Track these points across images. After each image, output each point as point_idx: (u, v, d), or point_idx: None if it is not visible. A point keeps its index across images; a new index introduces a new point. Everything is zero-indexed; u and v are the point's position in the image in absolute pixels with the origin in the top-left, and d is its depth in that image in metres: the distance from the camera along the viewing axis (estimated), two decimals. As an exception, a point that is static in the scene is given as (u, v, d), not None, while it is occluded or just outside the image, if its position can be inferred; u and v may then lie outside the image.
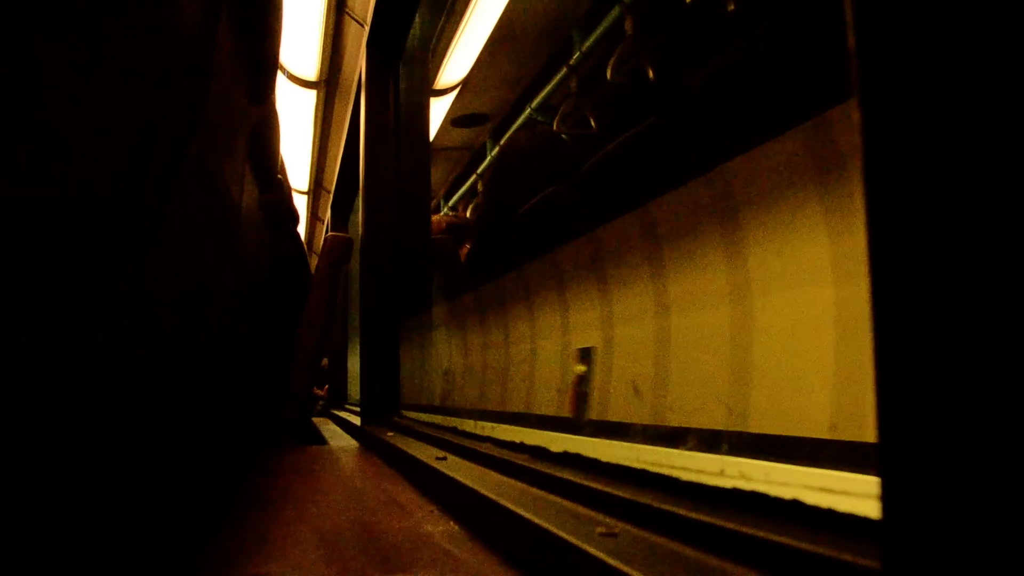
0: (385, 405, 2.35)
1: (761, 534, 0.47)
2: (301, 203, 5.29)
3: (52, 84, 0.40)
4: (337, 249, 2.62)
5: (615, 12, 2.67)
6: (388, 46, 2.55)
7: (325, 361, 4.55)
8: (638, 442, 0.87)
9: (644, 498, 0.63)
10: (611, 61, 2.57)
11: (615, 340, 1.08)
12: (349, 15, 2.92)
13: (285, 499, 1.18)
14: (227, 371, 1.36)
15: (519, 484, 0.89)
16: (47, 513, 0.49)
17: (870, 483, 0.31)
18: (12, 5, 0.36)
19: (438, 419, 1.81)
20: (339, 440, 2.40)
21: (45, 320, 0.43)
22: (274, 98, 1.31)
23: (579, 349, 1.75)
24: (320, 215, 5.36)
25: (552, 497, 0.78)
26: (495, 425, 1.29)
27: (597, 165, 1.48)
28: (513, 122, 3.75)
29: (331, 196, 4.62)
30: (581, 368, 1.75)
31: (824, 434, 0.65)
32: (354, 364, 3.99)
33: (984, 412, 0.26)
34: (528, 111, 3.49)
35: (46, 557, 0.49)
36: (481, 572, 0.71)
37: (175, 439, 0.88)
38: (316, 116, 3.89)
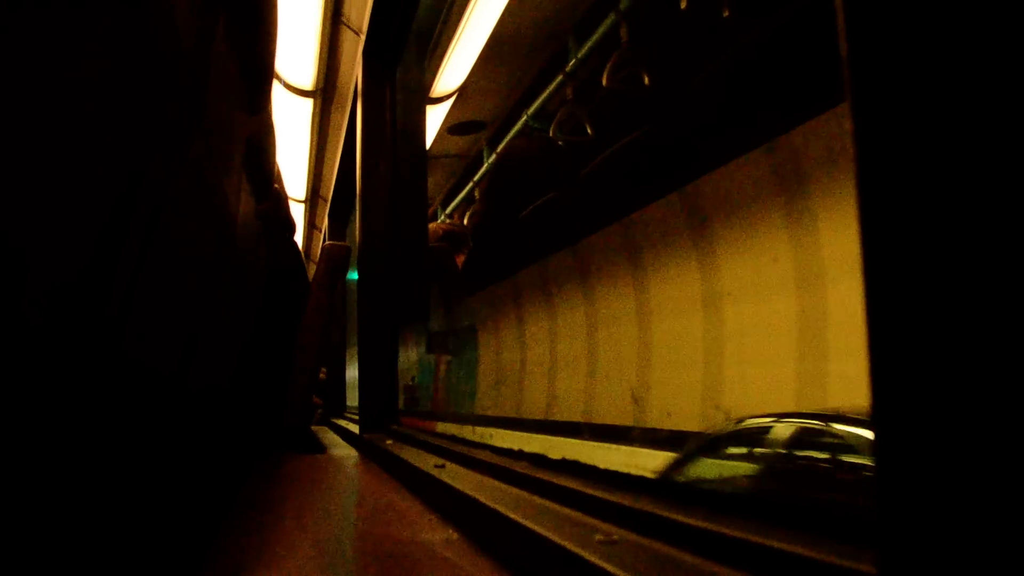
0: (384, 413, 2.34)
1: (759, 539, 0.47)
2: (298, 212, 5.28)
3: (48, 94, 0.41)
4: (335, 258, 2.62)
5: (610, 19, 2.68)
6: (384, 55, 2.55)
7: (323, 373, 4.54)
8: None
9: (642, 504, 0.63)
10: (607, 68, 2.58)
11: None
12: (345, 24, 2.93)
13: (284, 507, 1.17)
14: (225, 380, 1.36)
15: (517, 491, 0.89)
16: (46, 518, 0.49)
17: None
18: (11, 11, 0.36)
19: (436, 426, 1.81)
20: (338, 448, 2.40)
21: (43, 328, 0.43)
22: (270, 108, 1.31)
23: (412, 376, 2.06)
24: (317, 224, 5.36)
25: (551, 504, 0.78)
26: (493, 431, 1.29)
27: (592, 173, 1.49)
28: (510, 129, 3.76)
29: (328, 205, 4.62)
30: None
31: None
32: (353, 372, 3.98)
33: (982, 413, 0.26)
34: (525, 118, 3.50)
35: (44, 560, 0.49)
36: (480, 580, 0.70)
37: (173, 447, 0.88)
38: (312, 125, 3.89)
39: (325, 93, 3.54)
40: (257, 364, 2.04)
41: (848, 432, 0.73)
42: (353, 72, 2.94)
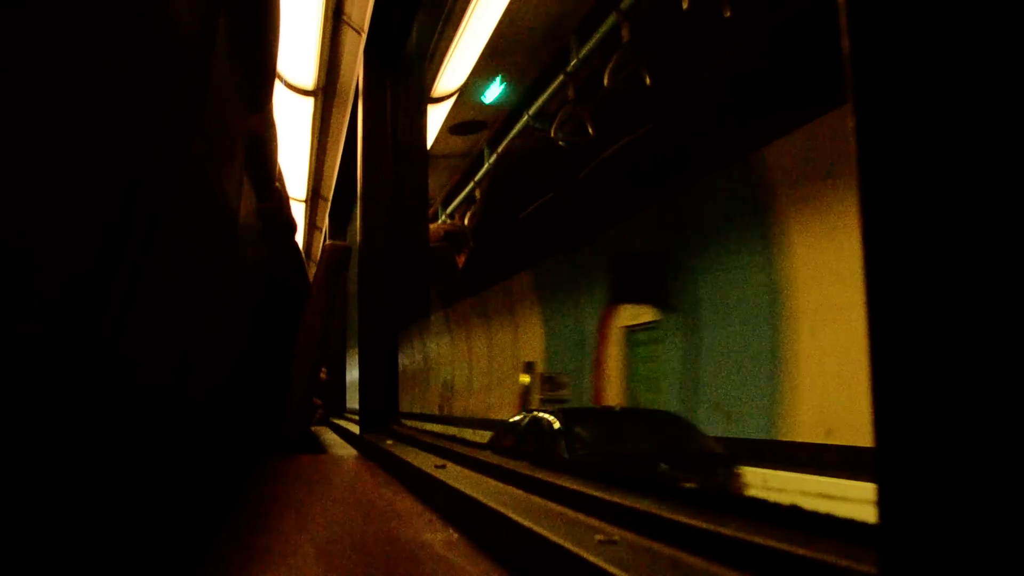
0: (384, 413, 2.34)
1: (759, 540, 0.47)
2: (299, 212, 5.28)
3: (49, 94, 0.41)
4: (335, 257, 2.62)
5: (612, 19, 2.68)
6: (385, 54, 2.55)
7: (324, 373, 4.53)
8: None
9: (643, 505, 0.63)
10: (608, 68, 2.58)
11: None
12: (347, 23, 2.93)
13: (284, 507, 1.17)
14: (226, 378, 1.36)
15: (518, 491, 0.89)
16: (45, 516, 0.49)
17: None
18: (13, 15, 0.36)
19: (436, 427, 1.80)
20: (338, 448, 2.39)
21: (45, 325, 0.43)
22: (272, 107, 1.31)
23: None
24: (318, 223, 5.36)
25: (551, 504, 0.78)
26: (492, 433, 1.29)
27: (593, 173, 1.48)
28: (511, 129, 3.76)
29: (329, 204, 4.62)
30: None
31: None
32: (353, 373, 3.98)
33: (980, 417, 0.26)
34: (526, 118, 3.50)
35: (44, 559, 0.49)
36: (480, 580, 0.70)
37: (174, 446, 0.88)
38: (314, 124, 3.89)
39: (326, 92, 3.54)
40: (258, 364, 2.04)
41: (545, 418, 1.37)
42: (354, 71, 2.94)
